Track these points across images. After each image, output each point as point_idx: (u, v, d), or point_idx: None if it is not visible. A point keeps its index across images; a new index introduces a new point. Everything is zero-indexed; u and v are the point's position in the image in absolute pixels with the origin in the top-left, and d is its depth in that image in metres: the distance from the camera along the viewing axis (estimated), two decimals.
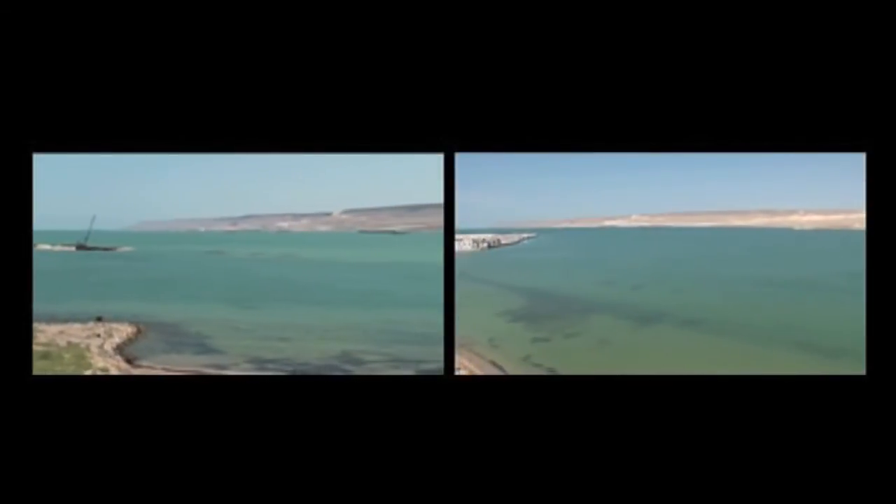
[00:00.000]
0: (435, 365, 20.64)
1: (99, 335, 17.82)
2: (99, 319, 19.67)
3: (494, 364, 19.24)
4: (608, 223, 28.05)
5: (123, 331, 18.68)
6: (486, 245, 29.38)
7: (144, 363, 15.77)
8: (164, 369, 15.53)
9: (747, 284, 26.88)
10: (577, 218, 28.45)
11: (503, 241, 30.42)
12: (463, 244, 28.80)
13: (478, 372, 18.68)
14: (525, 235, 32.21)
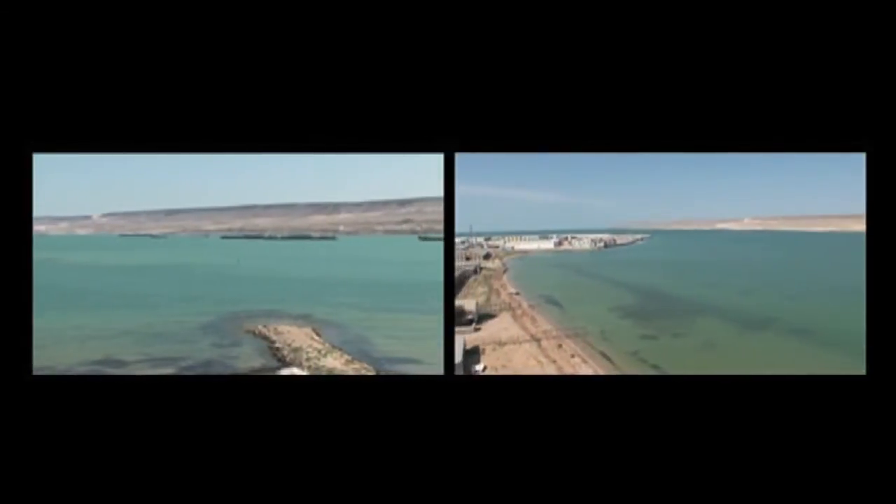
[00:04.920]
0: (193, 361, 21.78)
1: None
2: None
3: (604, 355, 19.69)
4: (720, 226, 27.64)
5: None
6: (602, 245, 29.63)
7: None
8: None
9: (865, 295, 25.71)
10: (689, 220, 28.17)
11: (618, 241, 30.56)
12: (582, 243, 29.13)
13: (589, 360, 19.12)
14: (639, 236, 32.15)
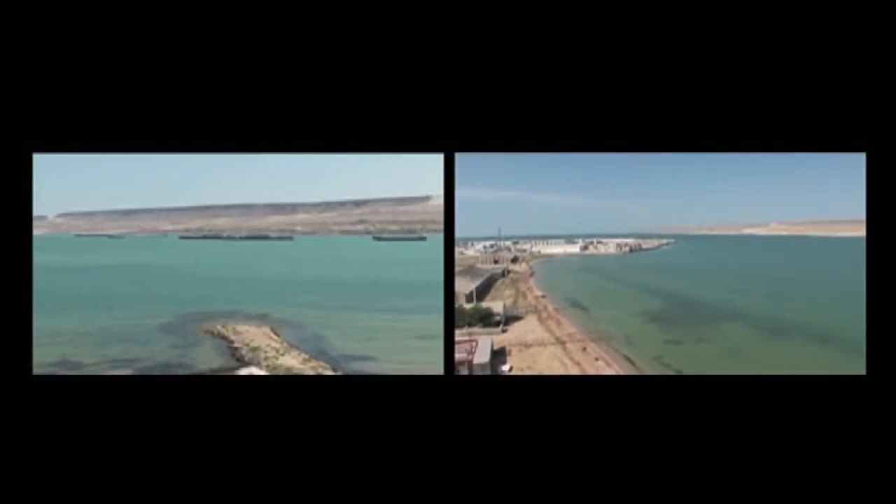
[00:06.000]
0: (151, 363, 21.98)
1: None
2: None
3: (627, 359, 19.79)
4: (746, 231, 27.66)
5: None
6: (627, 249, 29.77)
7: None
8: None
9: None
10: (715, 225, 28.23)
11: (644, 246, 30.71)
12: (607, 247, 29.30)
13: (612, 363, 19.23)
14: (664, 241, 32.28)
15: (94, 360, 21.81)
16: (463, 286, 26.96)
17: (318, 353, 22.96)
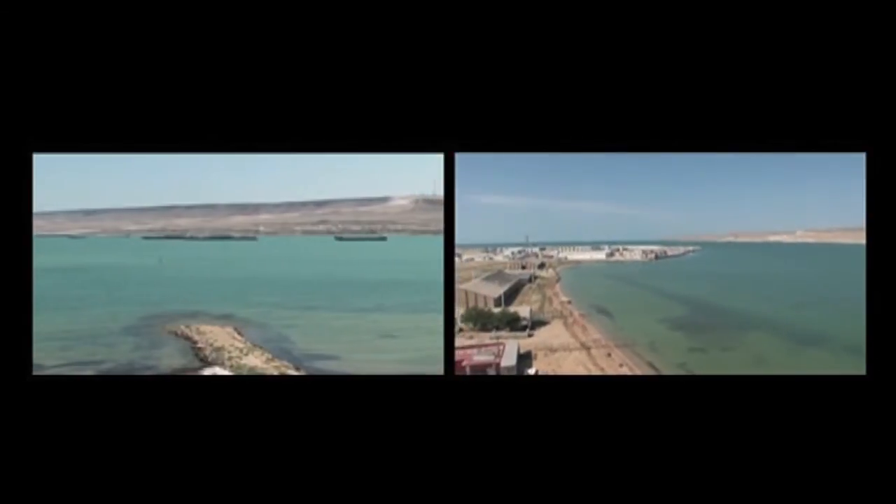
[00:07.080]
0: (114, 363, 22.04)
1: None
2: None
3: (651, 366, 19.66)
4: (772, 238, 27.42)
5: None
6: (653, 256, 29.74)
7: None
8: None
9: None
10: (740, 232, 28.01)
11: (669, 253, 30.64)
12: (633, 254, 29.29)
13: (636, 369, 19.15)
14: (690, 248, 32.18)
15: (56, 361, 22.04)
16: (491, 290, 27.14)
17: (281, 353, 23.46)
